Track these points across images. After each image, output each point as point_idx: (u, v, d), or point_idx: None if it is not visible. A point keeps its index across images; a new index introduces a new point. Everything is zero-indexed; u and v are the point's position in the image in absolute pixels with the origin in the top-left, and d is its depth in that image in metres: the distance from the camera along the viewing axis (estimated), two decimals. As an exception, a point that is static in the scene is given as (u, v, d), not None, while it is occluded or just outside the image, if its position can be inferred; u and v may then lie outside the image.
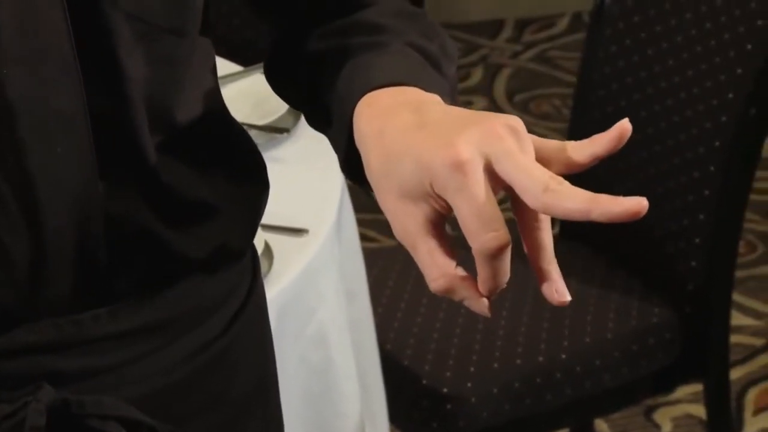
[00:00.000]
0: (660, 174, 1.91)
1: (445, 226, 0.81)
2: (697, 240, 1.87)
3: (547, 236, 0.81)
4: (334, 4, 0.96)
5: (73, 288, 0.90)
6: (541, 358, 1.82)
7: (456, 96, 0.94)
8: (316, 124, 0.96)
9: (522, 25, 3.87)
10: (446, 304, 1.90)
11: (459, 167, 0.78)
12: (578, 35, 3.65)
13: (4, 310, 0.89)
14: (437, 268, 0.80)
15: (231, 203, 0.97)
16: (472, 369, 1.79)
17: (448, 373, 1.79)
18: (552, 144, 0.81)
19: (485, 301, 0.80)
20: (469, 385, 1.78)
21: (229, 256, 0.98)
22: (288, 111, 1.67)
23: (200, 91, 0.96)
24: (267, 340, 1.05)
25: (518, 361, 1.81)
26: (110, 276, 0.91)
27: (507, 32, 3.84)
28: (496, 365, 1.80)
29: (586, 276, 1.95)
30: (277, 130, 1.65)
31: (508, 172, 0.78)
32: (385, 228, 3.17)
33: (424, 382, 1.78)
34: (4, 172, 0.86)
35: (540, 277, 0.81)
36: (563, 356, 1.83)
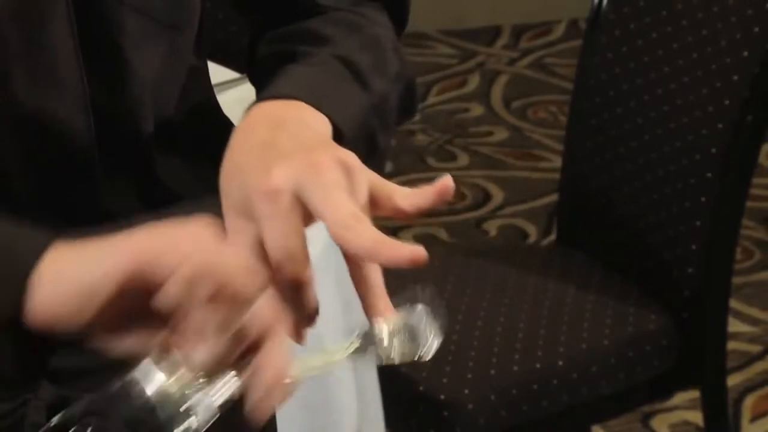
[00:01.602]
0: (656, 181, 1.91)
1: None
2: (694, 246, 1.87)
3: (373, 271, 0.82)
4: (287, 11, 0.98)
5: None
6: (537, 365, 1.82)
7: (388, 111, 0.94)
8: None
9: (519, 31, 3.87)
10: (443, 310, 1.90)
11: (269, 196, 0.79)
12: (575, 42, 3.65)
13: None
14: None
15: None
16: (469, 375, 1.79)
17: (445, 380, 1.79)
18: (386, 187, 0.82)
19: (295, 334, 0.82)
20: (466, 391, 1.78)
21: None
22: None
23: (198, 88, 0.96)
24: None
25: (515, 368, 1.81)
26: None
27: (504, 39, 3.85)
28: (493, 372, 1.80)
29: (583, 282, 1.95)
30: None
31: (314, 205, 0.79)
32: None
33: (421, 388, 1.78)
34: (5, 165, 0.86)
35: (369, 311, 0.81)
36: (560, 363, 1.83)
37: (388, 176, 0.85)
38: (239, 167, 0.82)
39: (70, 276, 0.76)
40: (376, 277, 0.82)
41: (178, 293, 0.74)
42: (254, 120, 0.87)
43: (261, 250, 0.80)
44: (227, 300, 0.75)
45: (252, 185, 0.80)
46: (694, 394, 2.06)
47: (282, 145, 0.83)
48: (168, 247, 0.76)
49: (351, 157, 0.81)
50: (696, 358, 1.91)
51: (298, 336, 0.81)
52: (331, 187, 0.79)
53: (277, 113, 0.87)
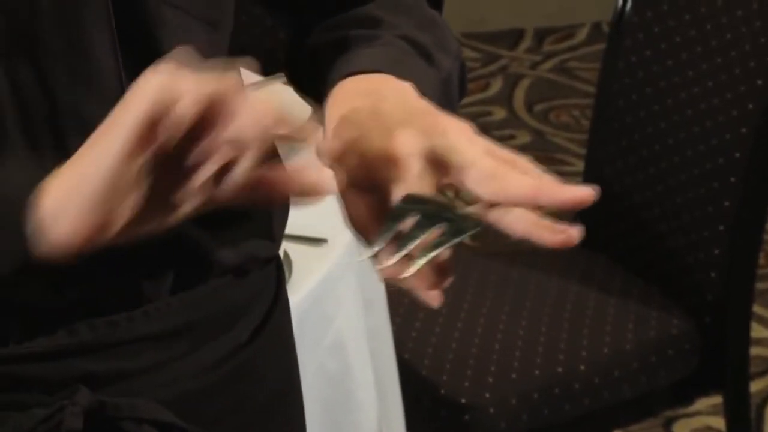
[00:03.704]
0: (680, 184, 1.90)
1: None
2: (717, 251, 1.86)
3: (518, 209, 0.78)
4: (334, 4, 0.98)
5: (108, 290, 0.90)
6: (559, 369, 1.82)
7: (452, 88, 0.94)
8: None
9: (541, 35, 3.87)
10: (465, 313, 1.90)
11: (394, 161, 0.78)
12: (598, 46, 3.65)
13: (41, 312, 0.90)
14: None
15: (260, 210, 0.97)
16: (490, 379, 1.79)
17: (467, 383, 1.79)
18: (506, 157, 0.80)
19: (434, 292, 0.80)
20: (487, 395, 1.77)
21: (256, 261, 0.98)
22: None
23: None
24: (291, 346, 1.06)
25: (537, 372, 1.81)
26: (144, 278, 0.92)
27: (526, 42, 3.84)
28: (514, 375, 1.80)
29: (605, 286, 1.95)
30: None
31: (455, 162, 0.77)
32: (403, 238, 3.16)
33: (442, 391, 1.78)
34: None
35: (542, 231, 0.77)
36: (582, 367, 1.83)
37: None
38: (354, 123, 0.81)
39: (82, 187, 0.75)
40: (526, 213, 0.77)
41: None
42: (345, 92, 0.85)
43: (381, 218, 0.78)
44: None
45: (375, 151, 0.79)
46: (716, 399, 2.06)
47: (390, 113, 0.81)
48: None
49: (464, 122, 0.79)
50: (718, 363, 1.91)
51: (440, 285, 0.80)
52: (465, 144, 0.78)
53: (366, 86, 0.85)
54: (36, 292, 0.89)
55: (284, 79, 1.72)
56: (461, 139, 0.78)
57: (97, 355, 0.91)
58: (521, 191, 0.76)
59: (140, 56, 0.88)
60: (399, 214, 0.76)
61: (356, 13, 0.96)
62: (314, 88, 0.96)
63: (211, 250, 0.94)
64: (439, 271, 0.79)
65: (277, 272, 1.04)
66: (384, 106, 0.82)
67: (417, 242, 0.75)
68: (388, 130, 0.79)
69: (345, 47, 0.92)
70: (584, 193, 0.75)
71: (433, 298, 0.80)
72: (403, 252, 0.75)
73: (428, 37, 0.94)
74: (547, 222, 0.76)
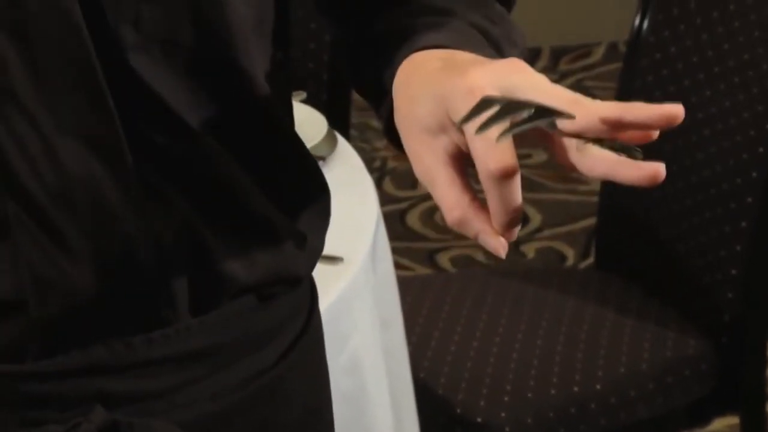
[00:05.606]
0: (697, 205, 1.90)
1: (464, 163, 0.81)
2: (734, 271, 1.86)
3: (597, 150, 0.78)
4: None
5: (126, 312, 0.90)
6: (575, 388, 1.82)
7: None
8: (377, 102, 0.94)
9: (558, 54, 3.87)
10: (480, 332, 1.90)
11: (470, 92, 0.78)
12: (614, 65, 3.64)
13: (59, 333, 0.89)
14: (453, 199, 0.80)
15: (290, 228, 0.96)
16: (506, 398, 1.79)
17: (482, 402, 1.78)
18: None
19: (501, 239, 0.79)
20: (503, 414, 1.77)
21: (282, 283, 0.96)
22: (324, 139, 1.67)
23: (273, 99, 0.95)
24: (322, 370, 1.04)
25: (553, 391, 1.81)
26: (163, 300, 0.91)
27: (543, 61, 3.84)
28: (530, 395, 1.80)
29: (621, 306, 1.95)
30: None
31: (532, 94, 0.77)
32: (419, 257, 3.16)
33: (458, 410, 1.78)
34: (49, 195, 0.87)
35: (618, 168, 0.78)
36: (598, 386, 1.82)
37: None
38: (426, 86, 0.82)
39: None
40: (599, 151, 0.78)
41: None
42: (418, 60, 0.85)
43: (452, 162, 0.80)
44: None
45: (448, 89, 0.79)
46: (733, 420, 2.05)
47: (463, 61, 0.82)
48: None
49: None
50: (735, 384, 1.90)
51: (508, 233, 0.79)
52: (541, 80, 0.78)
53: (437, 53, 0.86)
54: (55, 310, 0.89)
55: (302, 96, 1.72)
56: (536, 76, 0.79)
57: (114, 375, 0.90)
58: (606, 110, 0.75)
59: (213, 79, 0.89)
60: (482, 106, 0.77)
61: (422, 3, 0.94)
62: (370, 79, 0.94)
63: (226, 267, 0.92)
64: (510, 212, 0.78)
65: (310, 295, 1.02)
66: (457, 59, 0.83)
67: (503, 122, 0.76)
68: (463, 71, 0.80)
69: (412, 32, 0.90)
70: (672, 109, 0.75)
71: (500, 245, 0.79)
72: (490, 128, 0.76)
73: (497, 29, 0.93)
74: (628, 159, 0.75)
